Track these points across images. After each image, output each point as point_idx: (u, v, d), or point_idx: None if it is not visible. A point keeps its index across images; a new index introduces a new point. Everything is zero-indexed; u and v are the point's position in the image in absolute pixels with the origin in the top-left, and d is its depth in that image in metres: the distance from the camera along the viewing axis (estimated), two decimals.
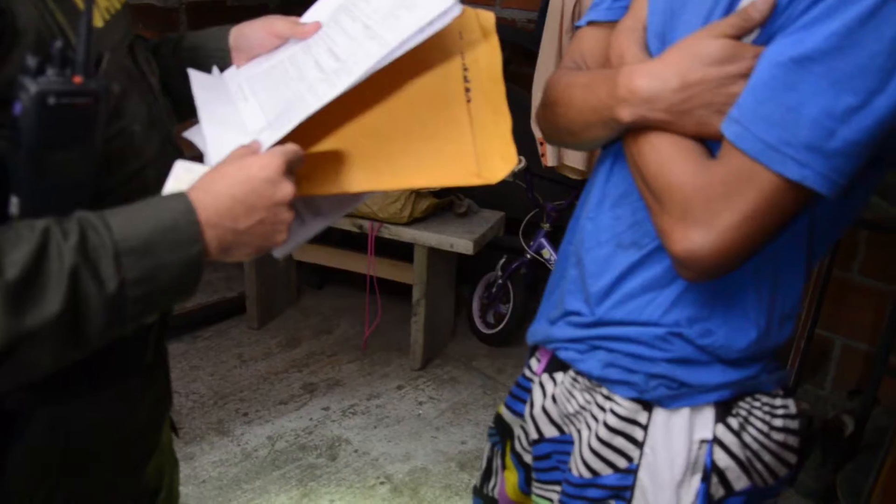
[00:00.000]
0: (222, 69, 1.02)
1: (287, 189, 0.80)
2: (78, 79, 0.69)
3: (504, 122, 0.92)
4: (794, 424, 1.00)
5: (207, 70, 1.00)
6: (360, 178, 0.90)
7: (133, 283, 0.71)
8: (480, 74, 0.94)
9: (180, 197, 0.76)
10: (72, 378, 0.83)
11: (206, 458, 2.44)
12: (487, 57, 0.95)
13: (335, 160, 0.90)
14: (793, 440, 1.00)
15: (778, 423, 0.98)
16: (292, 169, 0.82)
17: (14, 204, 0.71)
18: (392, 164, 0.91)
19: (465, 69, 0.94)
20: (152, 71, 0.95)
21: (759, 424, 0.97)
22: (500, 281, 3.14)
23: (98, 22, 0.81)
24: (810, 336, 2.47)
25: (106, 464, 0.92)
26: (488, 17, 0.98)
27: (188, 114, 1.06)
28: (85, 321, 0.69)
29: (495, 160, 0.90)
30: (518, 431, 1.15)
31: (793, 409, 1.00)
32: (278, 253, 0.98)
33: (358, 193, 0.94)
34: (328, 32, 0.95)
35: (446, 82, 0.93)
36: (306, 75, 0.90)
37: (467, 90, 0.93)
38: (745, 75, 0.81)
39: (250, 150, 0.82)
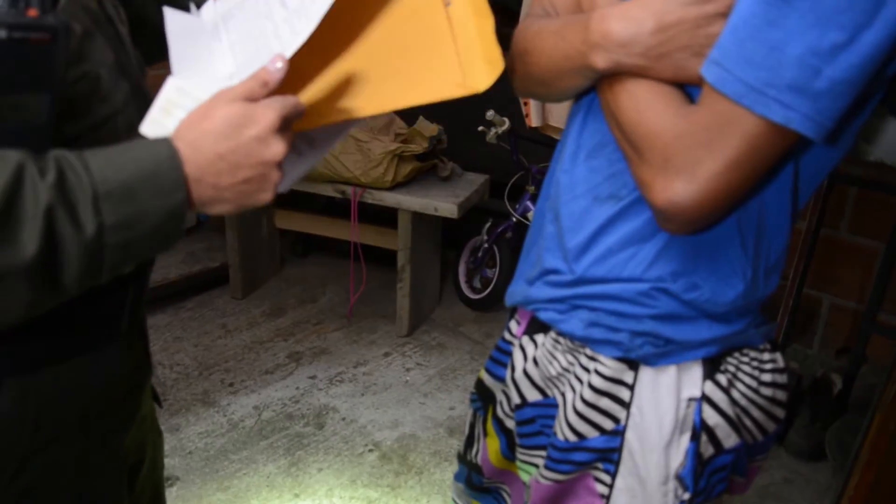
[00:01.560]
0: (199, 4, 0.97)
1: (278, 148, 0.76)
2: (33, 12, 0.65)
3: (488, 25, 0.86)
4: (782, 379, 0.98)
5: (184, 6, 0.96)
6: (344, 107, 0.86)
7: (111, 229, 0.68)
8: None
9: (163, 143, 0.72)
10: (43, 347, 0.81)
11: (192, 430, 2.42)
12: None
13: (318, 91, 0.86)
14: (781, 395, 0.98)
15: (766, 377, 0.96)
16: (288, 124, 0.77)
17: None
18: (373, 87, 0.87)
19: None
20: (121, 19, 0.91)
21: (747, 380, 0.95)
22: (485, 245, 3.11)
23: None
24: (798, 295, 2.46)
25: (79, 434, 0.90)
26: None
27: (164, 54, 1.02)
28: (61, 267, 0.67)
29: (480, 66, 0.85)
30: (500, 396, 1.12)
31: (781, 364, 0.98)
32: (283, 188, 0.94)
33: (345, 122, 0.90)
34: None
35: None
36: (272, 13, 0.85)
37: None
38: (725, 14, 0.77)
39: (257, 87, 0.77)
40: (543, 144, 2.87)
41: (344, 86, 0.87)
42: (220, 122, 0.74)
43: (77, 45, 0.77)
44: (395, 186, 2.81)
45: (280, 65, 0.78)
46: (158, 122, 0.78)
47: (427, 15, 0.87)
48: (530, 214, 2.95)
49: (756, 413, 0.96)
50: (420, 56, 0.87)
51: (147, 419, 1.08)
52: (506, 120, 2.74)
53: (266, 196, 0.78)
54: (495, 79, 0.84)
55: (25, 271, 0.64)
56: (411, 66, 0.87)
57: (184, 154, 0.73)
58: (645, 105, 0.81)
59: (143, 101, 0.88)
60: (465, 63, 0.85)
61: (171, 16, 0.91)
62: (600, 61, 0.83)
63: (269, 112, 0.75)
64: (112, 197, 0.68)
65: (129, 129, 0.82)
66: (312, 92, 0.85)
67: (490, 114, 2.74)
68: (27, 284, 0.65)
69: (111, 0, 0.90)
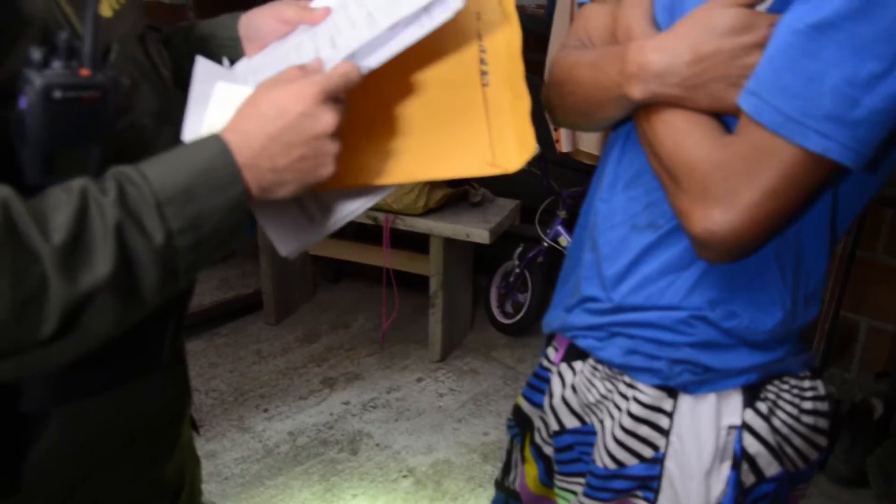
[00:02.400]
0: (233, 59, 0.99)
1: (327, 120, 0.76)
2: (85, 71, 0.67)
3: (523, 106, 0.88)
4: (823, 406, 0.97)
5: (219, 61, 0.98)
6: (371, 171, 0.87)
7: (179, 233, 0.70)
8: (499, 55, 0.90)
9: (212, 139, 0.74)
10: (88, 376, 0.82)
11: (227, 456, 2.44)
12: (507, 38, 0.91)
13: (347, 152, 0.87)
14: (823, 423, 0.97)
15: (808, 405, 0.95)
16: (336, 95, 0.78)
17: None
18: (402, 155, 0.88)
19: (483, 51, 0.90)
20: (164, 63, 0.93)
21: (788, 408, 0.94)
22: (517, 270, 3.11)
23: (106, 12, 0.78)
24: (835, 318, 2.43)
25: (124, 462, 0.91)
26: None
27: None
28: (138, 279, 0.68)
29: (512, 148, 0.86)
30: (538, 423, 1.12)
31: (822, 391, 0.98)
32: (288, 252, 0.95)
33: (368, 188, 0.90)
34: (335, 19, 0.92)
35: (461, 66, 0.89)
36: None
37: (483, 73, 0.89)
38: (761, 45, 0.78)
39: (298, 73, 0.78)
40: (573, 169, 2.88)
41: (373, 150, 0.87)
42: (266, 106, 0.75)
43: (125, 98, 0.79)
44: (427, 212, 2.83)
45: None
46: (214, 122, 0.79)
47: (464, 90, 0.88)
48: (561, 239, 2.95)
49: (797, 441, 0.95)
50: (452, 130, 0.87)
51: (186, 446, 1.10)
52: (536, 145, 2.75)
53: (327, 170, 0.78)
54: (526, 161, 0.85)
55: (108, 288, 0.66)
56: (443, 139, 0.87)
57: (235, 144, 0.74)
58: (682, 135, 0.82)
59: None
60: (497, 143, 0.86)
61: (202, 63, 0.93)
62: (637, 92, 0.84)
63: (312, 86, 0.76)
64: (174, 201, 0.69)
65: None
66: (341, 154, 0.86)
67: None
68: (112, 302, 0.67)
69: (156, 46, 0.93)
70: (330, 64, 0.82)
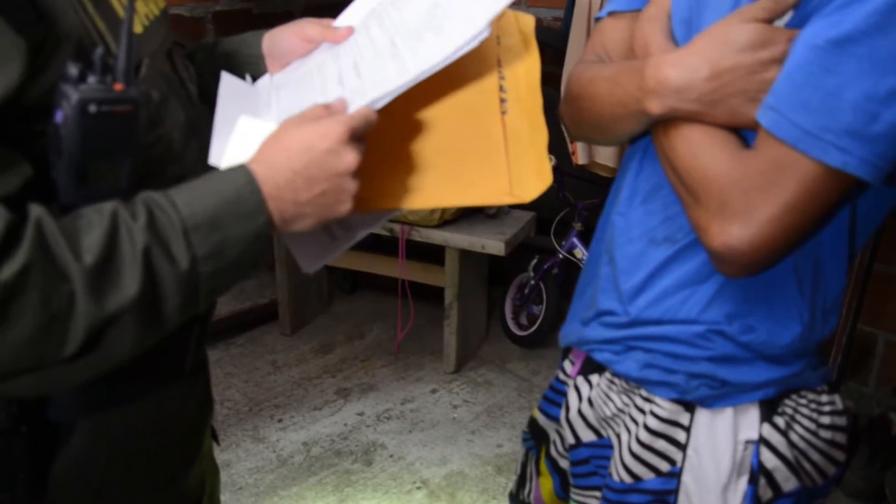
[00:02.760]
0: (256, 76, 1.01)
1: (349, 159, 0.78)
2: (118, 86, 0.69)
3: (540, 136, 0.88)
4: (841, 421, 0.97)
5: (242, 77, 0.99)
6: (391, 196, 0.88)
7: (203, 259, 0.72)
8: (518, 84, 0.90)
9: (240, 169, 0.76)
10: (114, 386, 0.83)
11: (242, 465, 2.45)
12: (526, 65, 0.90)
13: (369, 179, 0.87)
14: (841, 437, 0.97)
15: (825, 420, 0.95)
16: (358, 135, 0.80)
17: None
18: (422, 182, 0.88)
19: (502, 78, 0.90)
20: (190, 77, 0.95)
21: (805, 422, 0.94)
22: (532, 282, 3.11)
23: (137, 28, 0.81)
24: (852, 332, 2.41)
25: (148, 471, 0.92)
26: (528, 21, 0.94)
27: None
28: (162, 302, 0.70)
29: (529, 178, 0.87)
30: (553, 436, 1.12)
31: (840, 406, 0.97)
32: (312, 269, 0.96)
33: (385, 211, 0.91)
34: (358, 41, 0.92)
35: (481, 93, 0.89)
36: (328, 90, 0.87)
37: (503, 101, 0.89)
38: (780, 60, 0.78)
39: (323, 112, 0.80)
40: (589, 181, 2.88)
41: (394, 176, 0.88)
42: (292, 141, 0.77)
43: (155, 112, 0.80)
44: (443, 224, 2.83)
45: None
46: (235, 156, 0.81)
47: (483, 118, 0.88)
48: (577, 251, 2.95)
49: (815, 456, 0.94)
50: (471, 159, 0.88)
51: (207, 456, 1.11)
52: (552, 157, 2.75)
53: (345, 207, 0.80)
54: (542, 191, 0.86)
55: (132, 311, 0.67)
56: (462, 167, 0.88)
57: (261, 175, 0.76)
58: (700, 149, 0.82)
59: None
60: (515, 173, 0.86)
61: (227, 79, 0.94)
62: (655, 107, 0.84)
63: (337, 125, 0.78)
64: (200, 228, 0.71)
65: None
66: (363, 179, 0.87)
67: None
68: (135, 323, 0.68)
69: (182, 61, 0.94)
70: (352, 95, 0.83)
